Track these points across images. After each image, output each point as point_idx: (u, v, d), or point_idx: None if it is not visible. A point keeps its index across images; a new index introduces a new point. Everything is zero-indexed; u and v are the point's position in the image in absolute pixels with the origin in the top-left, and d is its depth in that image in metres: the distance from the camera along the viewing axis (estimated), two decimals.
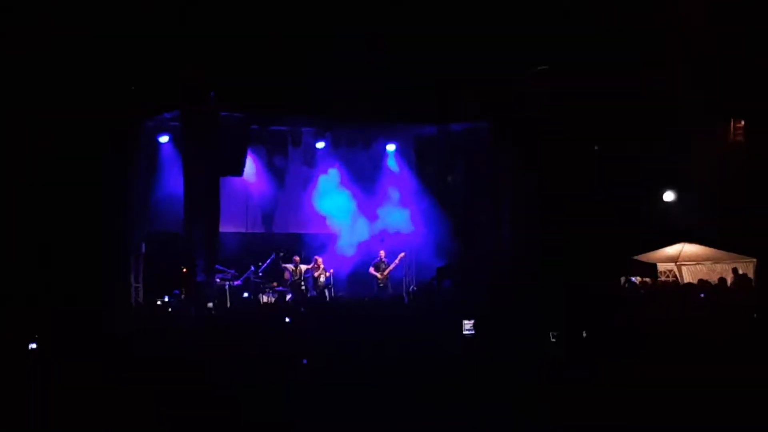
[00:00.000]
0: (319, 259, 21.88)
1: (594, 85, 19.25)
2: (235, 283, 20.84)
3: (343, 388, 8.28)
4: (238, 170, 20.36)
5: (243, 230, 22.38)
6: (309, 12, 17.92)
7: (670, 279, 19.41)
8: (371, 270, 22.10)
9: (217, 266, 19.55)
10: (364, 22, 18.18)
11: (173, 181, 19.71)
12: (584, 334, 12.18)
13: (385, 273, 21.96)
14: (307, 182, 22.84)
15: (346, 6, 18.04)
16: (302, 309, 15.99)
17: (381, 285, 21.78)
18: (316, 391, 8.36)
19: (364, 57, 18.43)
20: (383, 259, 22.15)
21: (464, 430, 7.60)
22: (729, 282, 17.97)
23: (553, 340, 12.01)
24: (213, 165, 19.05)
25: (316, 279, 21.69)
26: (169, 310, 17.71)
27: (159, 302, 18.77)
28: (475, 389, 8.25)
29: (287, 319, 13.84)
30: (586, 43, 18.88)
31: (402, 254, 22.34)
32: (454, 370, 8.93)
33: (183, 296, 18.65)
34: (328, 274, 21.73)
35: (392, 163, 23.40)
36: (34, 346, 10.41)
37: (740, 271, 18.83)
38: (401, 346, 9.83)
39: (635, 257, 19.32)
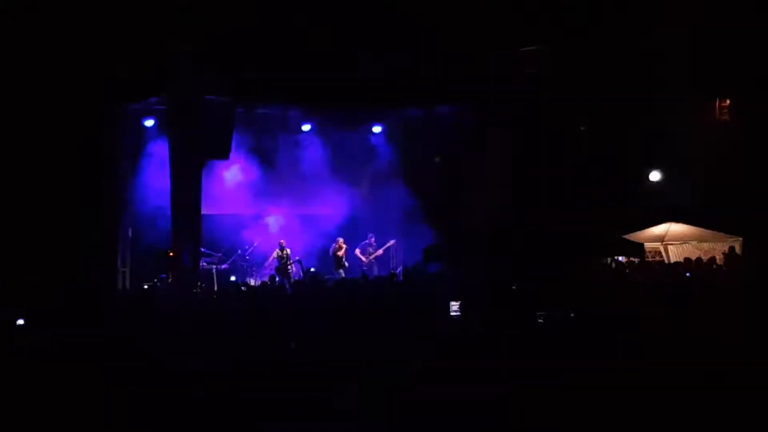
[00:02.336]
0: (341, 240, 21.87)
1: (581, 65, 19.25)
2: (222, 266, 20.84)
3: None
4: (225, 153, 20.24)
5: (232, 212, 22.31)
6: None
7: (656, 259, 19.48)
8: (357, 252, 22.10)
9: (203, 250, 19.50)
10: (350, 4, 18.09)
11: (159, 165, 19.62)
12: (572, 315, 12.26)
13: (371, 258, 21.95)
14: (295, 164, 22.79)
15: None
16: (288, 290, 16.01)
17: (365, 269, 21.76)
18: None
19: (350, 39, 18.36)
20: (372, 243, 22.11)
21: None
22: (719, 260, 18.08)
23: (541, 321, 12.07)
24: (199, 149, 18.94)
25: (340, 259, 21.70)
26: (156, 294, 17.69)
27: (146, 286, 18.76)
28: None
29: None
30: (572, 24, 18.87)
31: (391, 242, 22.31)
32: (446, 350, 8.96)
33: (170, 280, 18.61)
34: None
35: (379, 145, 23.33)
36: (21, 322, 10.44)
37: (738, 250, 18.88)
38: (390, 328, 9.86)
39: (622, 237, 19.38)
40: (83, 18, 16.76)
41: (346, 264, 21.83)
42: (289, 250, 21.38)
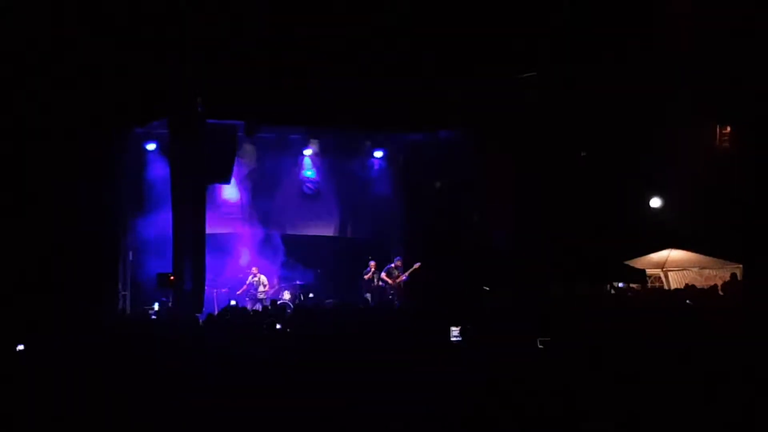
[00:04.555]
0: (373, 263, 21.80)
1: (581, 91, 19.31)
2: (222, 290, 20.85)
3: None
4: (226, 177, 20.38)
5: (240, 231, 22.36)
6: (296, 19, 17.91)
7: (656, 285, 19.48)
8: (383, 275, 21.82)
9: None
10: (352, 29, 18.17)
11: (161, 189, 19.67)
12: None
13: (398, 281, 21.77)
14: (297, 187, 22.89)
15: (333, 11, 18.02)
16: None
17: (392, 292, 21.61)
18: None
19: (353, 64, 18.46)
20: (397, 266, 21.94)
21: None
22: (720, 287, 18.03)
23: (541, 346, 12.04)
24: (200, 172, 19.00)
25: (368, 282, 21.71)
26: (155, 317, 17.70)
27: (147, 310, 18.76)
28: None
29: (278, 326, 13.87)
30: (572, 49, 18.95)
31: (417, 265, 21.77)
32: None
33: (171, 304, 18.61)
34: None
35: (380, 169, 23.39)
36: (21, 347, 10.42)
37: (738, 277, 18.85)
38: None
39: (623, 263, 19.38)
40: (87, 41, 16.86)
41: (379, 283, 21.72)
42: (262, 277, 21.29)
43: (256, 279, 21.32)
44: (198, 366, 9.46)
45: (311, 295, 21.65)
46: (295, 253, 22.39)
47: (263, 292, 21.27)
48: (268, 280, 21.61)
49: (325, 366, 9.35)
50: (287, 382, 8.88)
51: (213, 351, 10.37)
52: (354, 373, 9.02)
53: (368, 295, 21.42)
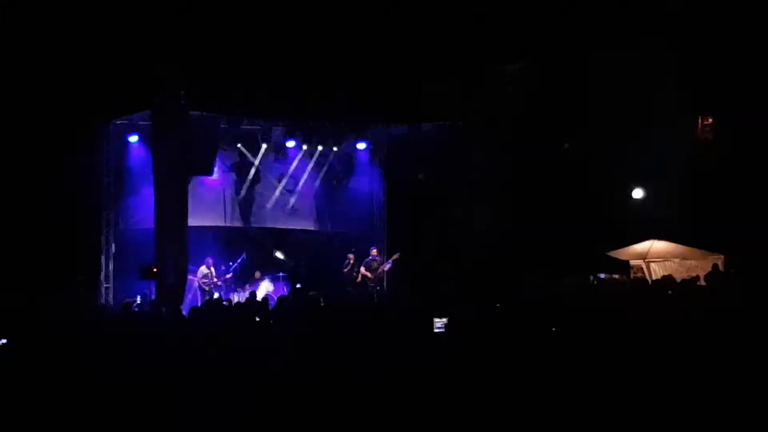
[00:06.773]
0: (351, 256, 21.47)
1: (564, 81, 19.36)
2: (207, 282, 20.79)
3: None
4: (209, 170, 20.29)
5: (221, 224, 22.24)
6: (279, 10, 17.88)
7: (638, 275, 19.57)
8: (363, 270, 21.19)
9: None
10: (335, 20, 18.15)
11: (143, 181, 19.59)
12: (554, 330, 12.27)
13: (378, 273, 21.25)
14: (279, 179, 22.81)
15: (316, 3, 18.01)
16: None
17: (373, 285, 20.88)
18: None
19: (335, 56, 18.44)
20: (375, 258, 21.38)
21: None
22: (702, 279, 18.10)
23: (525, 337, 12.09)
24: (183, 164, 18.93)
25: (347, 275, 21.22)
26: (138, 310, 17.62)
27: (129, 302, 18.68)
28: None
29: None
30: (557, 39, 18.99)
31: (396, 255, 21.27)
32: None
33: (153, 297, 18.55)
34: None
35: (363, 162, 23.35)
36: (4, 341, 10.37)
37: (720, 268, 18.92)
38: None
39: (606, 254, 19.47)
40: (70, 35, 16.78)
41: (356, 276, 21.07)
42: (212, 269, 20.99)
43: (206, 270, 20.96)
44: (184, 359, 9.43)
45: (298, 285, 21.43)
46: (278, 246, 22.32)
47: (206, 283, 20.67)
48: (250, 272, 21.54)
49: (314, 358, 9.36)
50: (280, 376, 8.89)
51: (199, 344, 10.33)
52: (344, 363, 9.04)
53: (350, 289, 21.23)
